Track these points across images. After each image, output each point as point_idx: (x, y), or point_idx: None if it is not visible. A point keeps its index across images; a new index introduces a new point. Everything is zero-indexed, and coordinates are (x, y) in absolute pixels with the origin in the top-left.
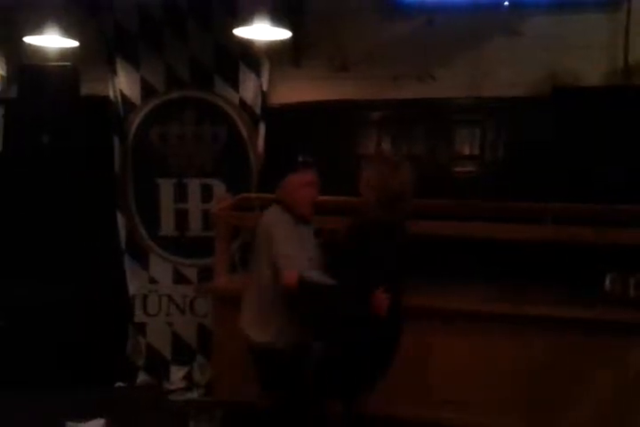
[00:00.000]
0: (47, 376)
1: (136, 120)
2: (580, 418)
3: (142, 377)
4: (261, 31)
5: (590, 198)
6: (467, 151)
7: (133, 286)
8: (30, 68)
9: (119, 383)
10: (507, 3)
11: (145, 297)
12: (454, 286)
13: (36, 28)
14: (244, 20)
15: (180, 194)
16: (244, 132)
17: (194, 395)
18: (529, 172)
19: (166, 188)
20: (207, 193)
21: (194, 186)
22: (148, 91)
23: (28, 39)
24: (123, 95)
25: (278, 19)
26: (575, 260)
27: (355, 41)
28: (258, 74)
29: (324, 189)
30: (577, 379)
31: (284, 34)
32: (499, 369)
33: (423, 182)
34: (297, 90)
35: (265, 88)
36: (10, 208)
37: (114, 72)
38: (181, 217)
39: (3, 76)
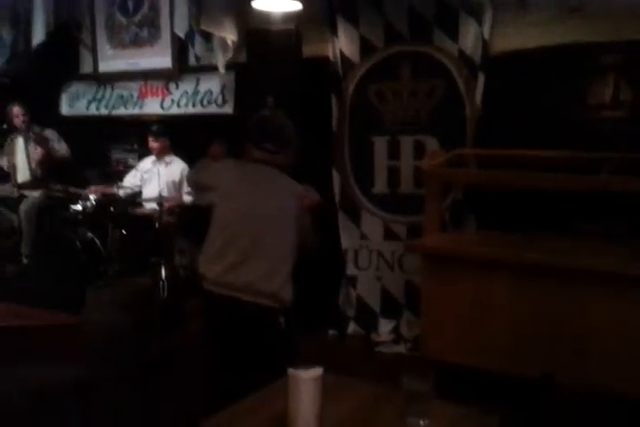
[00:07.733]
0: None
1: (354, 79)
2: None
3: (353, 327)
4: None
5: None
6: None
7: (346, 242)
8: (257, 32)
9: (332, 331)
10: None
11: (356, 252)
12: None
13: None
14: None
15: (393, 151)
16: (461, 85)
17: (401, 349)
18: None
19: (380, 145)
20: (420, 150)
21: (407, 143)
22: (367, 49)
23: (255, 4)
24: (342, 55)
25: None
26: None
27: None
28: (479, 21)
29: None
30: None
31: None
32: None
33: None
34: (522, 36)
35: (486, 36)
36: None
37: (334, 33)
38: (394, 174)
39: (234, 41)
